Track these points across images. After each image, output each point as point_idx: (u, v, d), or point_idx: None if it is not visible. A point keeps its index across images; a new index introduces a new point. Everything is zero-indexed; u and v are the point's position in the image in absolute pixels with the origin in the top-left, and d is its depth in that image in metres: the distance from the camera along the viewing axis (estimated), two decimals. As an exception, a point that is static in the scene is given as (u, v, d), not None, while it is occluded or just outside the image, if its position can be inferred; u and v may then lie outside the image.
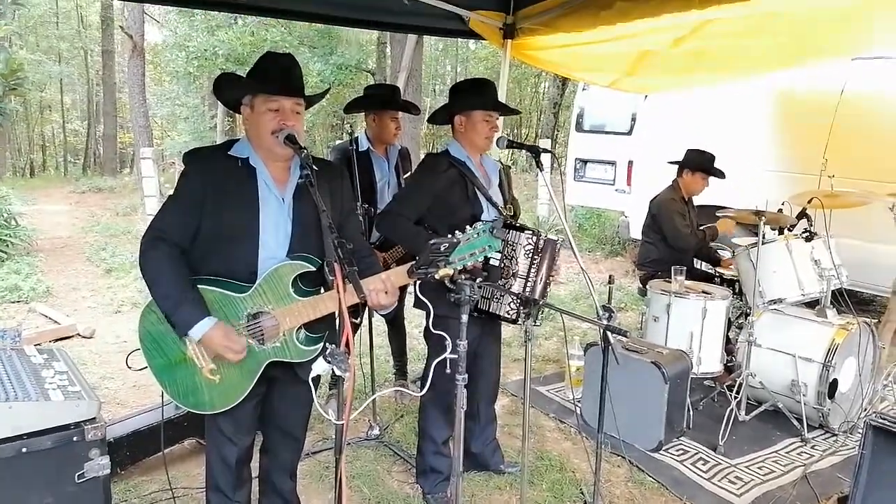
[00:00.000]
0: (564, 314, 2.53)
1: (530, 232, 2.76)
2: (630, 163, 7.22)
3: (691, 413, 3.93)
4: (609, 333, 2.74)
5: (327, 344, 2.05)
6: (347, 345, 1.83)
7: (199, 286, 2.12)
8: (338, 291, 1.80)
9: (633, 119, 7.25)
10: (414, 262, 1.93)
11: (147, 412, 3.20)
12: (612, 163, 7.48)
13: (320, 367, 1.86)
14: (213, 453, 2.37)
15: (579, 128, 7.97)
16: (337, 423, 1.89)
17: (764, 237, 3.94)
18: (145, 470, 3.19)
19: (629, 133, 7.30)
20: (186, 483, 3.10)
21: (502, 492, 3.23)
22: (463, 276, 2.58)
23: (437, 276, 1.91)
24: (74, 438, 1.72)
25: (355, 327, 3.76)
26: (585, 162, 7.87)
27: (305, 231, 2.21)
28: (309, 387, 2.40)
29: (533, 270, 2.74)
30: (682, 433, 3.82)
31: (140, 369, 2.19)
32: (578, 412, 4.06)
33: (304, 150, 2.04)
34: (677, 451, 3.69)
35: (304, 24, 11.86)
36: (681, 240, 4.51)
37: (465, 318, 1.95)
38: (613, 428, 3.72)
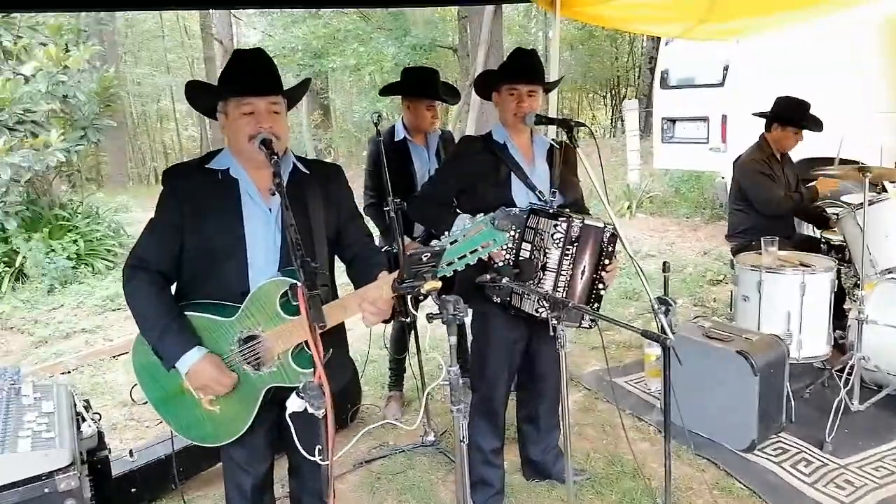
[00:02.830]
0: (600, 318, 2.17)
1: (563, 218, 2.42)
2: (724, 117, 6.50)
3: (793, 404, 3.42)
4: (667, 328, 2.37)
5: (303, 375, 1.86)
6: (322, 379, 1.61)
7: (187, 313, 1.99)
8: (307, 317, 1.58)
9: (726, 68, 6.50)
10: (396, 277, 1.68)
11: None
12: (705, 119, 6.77)
13: (295, 404, 1.66)
14: (230, 482, 2.26)
15: (664, 84, 7.30)
16: (323, 463, 1.69)
17: (882, 192, 3.34)
18: (202, 484, 3.17)
19: (721, 84, 6.57)
20: None
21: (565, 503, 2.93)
22: (489, 275, 2.34)
23: (423, 291, 1.65)
24: (46, 490, 1.63)
25: (409, 326, 3.57)
26: (674, 121, 7.19)
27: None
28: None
29: (566, 263, 2.40)
30: (781, 428, 3.34)
31: (144, 403, 2.11)
32: (659, 407, 3.66)
33: (275, 157, 1.83)
34: (775, 450, 3.22)
35: (381, 10, 11.77)
36: (770, 205, 3.93)
37: (452, 339, 1.67)
38: (700, 425, 3.33)
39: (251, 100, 1.93)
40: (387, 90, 3.56)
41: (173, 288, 2.07)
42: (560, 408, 2.23)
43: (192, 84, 2.01)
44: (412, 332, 3.60)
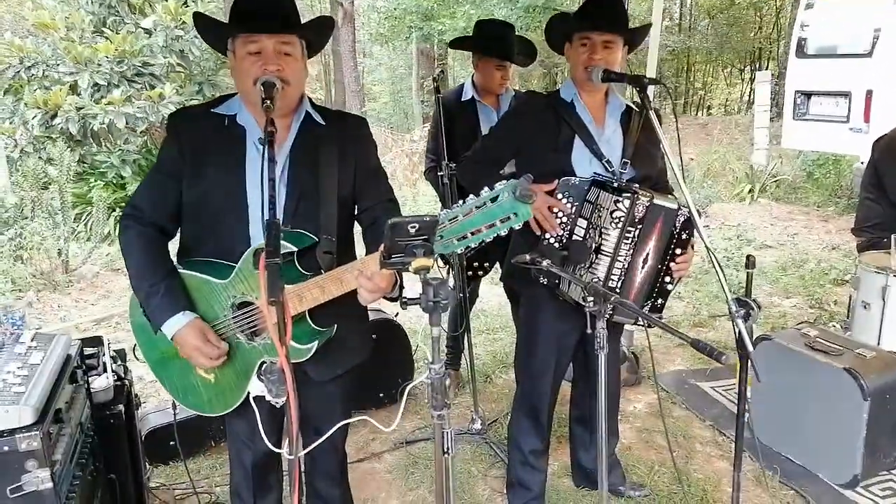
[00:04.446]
0: (647, 321, 1.77)
1: (628, 194, 2.03)
2: (869, 93, 5.61)
3: (915, 437, 2.83)
4: (745, 337, 1.95)
5: (266, 359, 1.63)
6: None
7: (182, 271, 1.83)
8: (265, 289, 1.34)
9: (876, 35, 5.58)
10: (382, 250, 1.41)
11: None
12: (846, 94, 5.89)
13: (257, 387, 1.45)
14: (232, 455, 2.11)
15: (801, 52, 6.41)
16: (289, 457, 1.46)
17: None
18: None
19: (869, 54, 5.65)
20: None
21: (615, 520, 2.58)
22: (529, 255, 2.01)
23: (411, 270, 1.36)
24: (5, 448, 1.53)
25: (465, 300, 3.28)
26: (808, 95, 6.32)
27: (303, 199, 1.80)
28: (342, 385, 2.04)
29: (625, 247, 2.02)
30: (893, 465, 2.77)
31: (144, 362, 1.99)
32: (747, 421, 3.17)
33: (267, 103, 1.59)
34: (882, 489, 2.68)
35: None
36: None
37: (435, 331, 1.37)
38: (792, 449, 2.85)
39: (258, 37, 1.70)
40: (456, 43, 3.24)
41: (176, 244, 1.92)
42: (598, 413, 1.87)
43: (199, 17, 1.81)
44: (471, 306, 3.34)
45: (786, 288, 5.08)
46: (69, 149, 7.07)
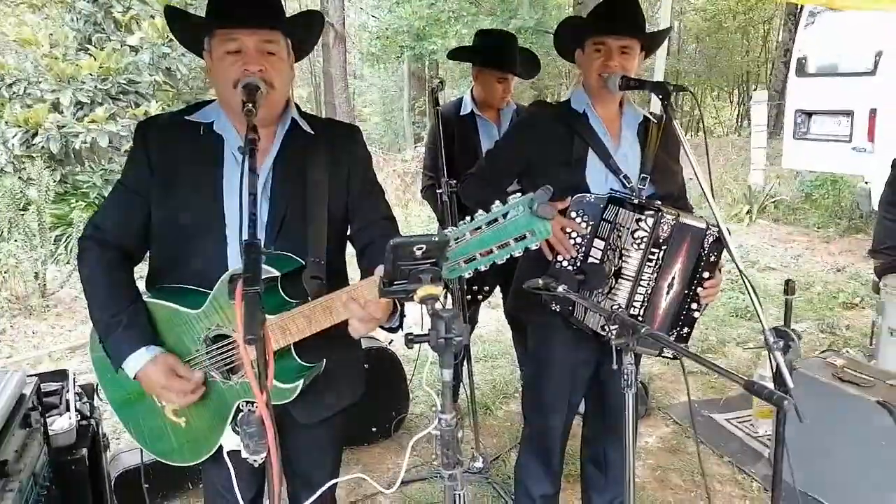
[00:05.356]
0: (683, 354, 1.55)
1: (650, 211, 1.82)
2: (873, 112, 5.49)
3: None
4: (785, 373, 1.74)
5: (243, 405, 1.40)
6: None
7: (150, 300, 1.60)
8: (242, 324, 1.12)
9: (879, 54, 5.48)
10: (383, 276, 1.19)
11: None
12: (848, 113, 5.78)
13: (232, 441, 1.22)
14: (208, 505, 1.87)
15: (801, 71, 6.32)
16: (268, 521, 1.23)
17: None
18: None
19: (872, 73, 5.55)
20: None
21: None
22: (542, 279, 1.80)
23: (416, 299, 1.15)
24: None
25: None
26: (810, 114, 6.21)
27: (289, 217, 1.59)
28: (332, 427, 1.82)
29: (649, 270, 1.81)
30: (933, 507, 2.56)
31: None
32: (768, 458, 2.96)
33: (248, 106, 1.38)
34: (923, 535, 2.46)
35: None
36: None
37: (446, 374, 1.16)
38: (821, 489, 2.64)
39: (238, 34, 1.50)
40: (456, 54, 3.06)
41: (145, 270, 1.69)
42: (626, 454, 1.65)
43: (172, 11, 1.61)
44: (469, 332, 3.11)
45: (794, 312, 4.88)
46: (49, 168, 6.82)
